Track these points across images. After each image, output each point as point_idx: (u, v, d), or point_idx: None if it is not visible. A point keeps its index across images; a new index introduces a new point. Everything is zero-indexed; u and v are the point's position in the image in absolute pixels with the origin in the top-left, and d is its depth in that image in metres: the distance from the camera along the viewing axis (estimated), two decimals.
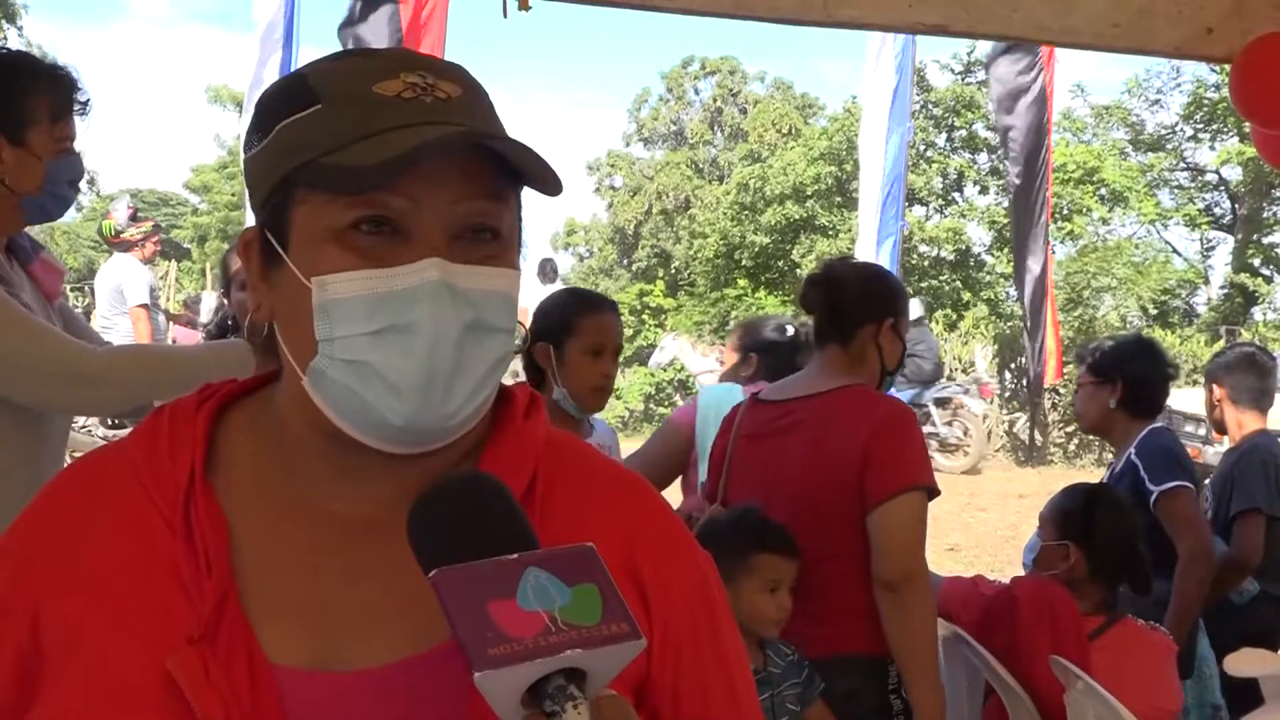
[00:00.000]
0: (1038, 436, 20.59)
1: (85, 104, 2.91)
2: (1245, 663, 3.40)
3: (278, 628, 1.13)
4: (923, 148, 36.15)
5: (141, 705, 1.06)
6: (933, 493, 3.29)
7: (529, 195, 1.22)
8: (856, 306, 3.51)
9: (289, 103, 1.15)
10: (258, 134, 1.18)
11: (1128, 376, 4.77)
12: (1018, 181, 12.63)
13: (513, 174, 1.15)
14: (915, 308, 17.53)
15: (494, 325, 1.15)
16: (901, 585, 3.19)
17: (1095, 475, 17.42)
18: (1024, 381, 20.98)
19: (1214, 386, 5.10)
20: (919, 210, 36.44)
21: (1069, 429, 21.22)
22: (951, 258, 35.50)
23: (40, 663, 1.12)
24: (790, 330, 5.47)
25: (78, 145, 2.91)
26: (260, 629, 1.12)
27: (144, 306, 9.43)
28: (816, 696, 3.23)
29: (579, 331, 3.66)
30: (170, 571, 1.13)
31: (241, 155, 1.30)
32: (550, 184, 1.15)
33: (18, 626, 1.14)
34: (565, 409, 3.68)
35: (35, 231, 3.00)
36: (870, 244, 12.36)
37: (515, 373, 3.97)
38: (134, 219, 9.84)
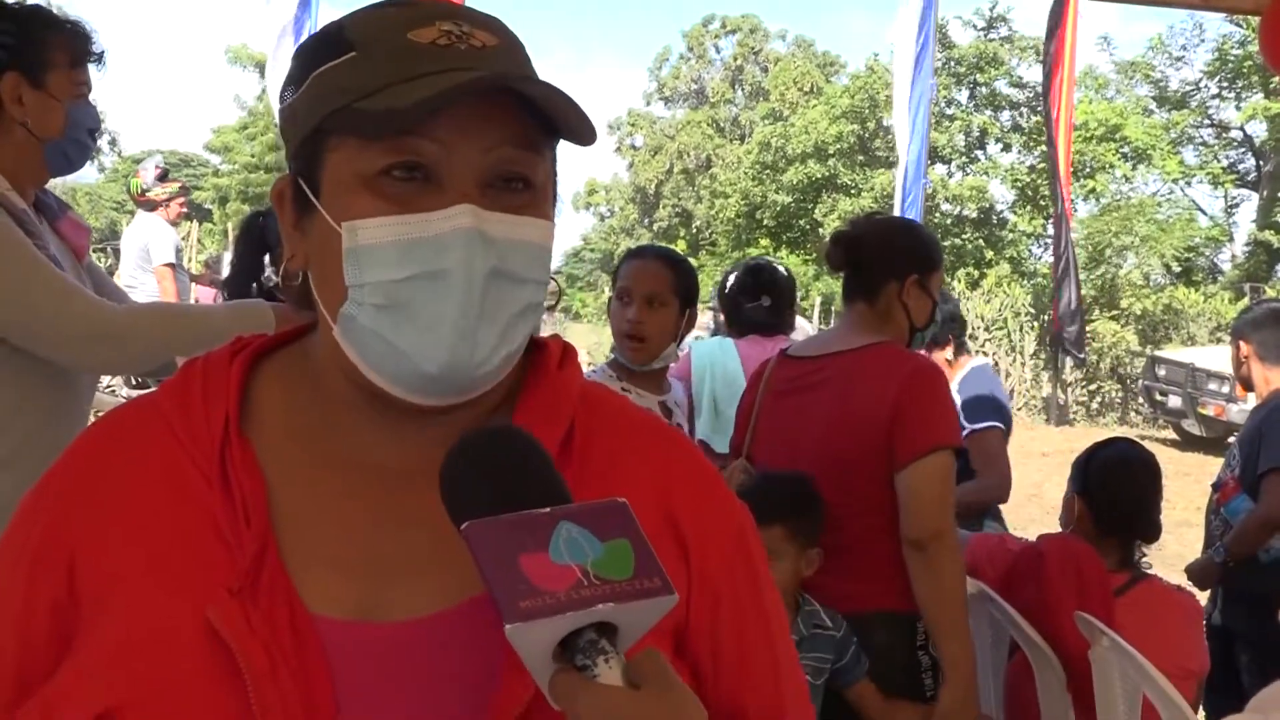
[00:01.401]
0: (1060, 394, 20.56)
1: (100, 55, 2.93)
2: None
3: (317, 579, 1.12)
4: (944, 105, 35.97)
5: (183, 653, 1.06)
6: (960, 451, 3.28)
7: None
8: (877, 264, 3.48)
9: (324, 52, 1.15)
10: (293, 84, 1.18)
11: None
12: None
13: (547, 126, 1.14)
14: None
15: (522, 275, 1.13)
16: (930, 544, 3.18)
17: (1117, 432, 17.44)
18: (1047, 340, 20.93)
19: (1241, 343, 5.06)
20: (941, 168, 36.29)
21: (1091, 387, 21.20)
22: (974, 216, 35.37)
23: (76, 612, 1.12)
24: (730, 280, 5.33)
25: (93, 98, 2.93)
26: (299, 580, 1.11)
27: (170, 266, 9.42)
28: (864, 675, 3.23)
29: (615, 280, 3.68)
30: (207, 522, 1.12)
31: (276, 111, 1.30)
32: (583, 133, 1.14)
33: (54, 577, 1.14)
34: (621, 361, 3.70)
35: (56, 193, 3.02)
36: (908, 200, 12.36)
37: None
38: (162, 179, 9.84)
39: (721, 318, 5.44)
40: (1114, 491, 3.84)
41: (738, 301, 5.14)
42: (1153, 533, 3.89)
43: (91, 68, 2.92)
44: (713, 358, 4.88)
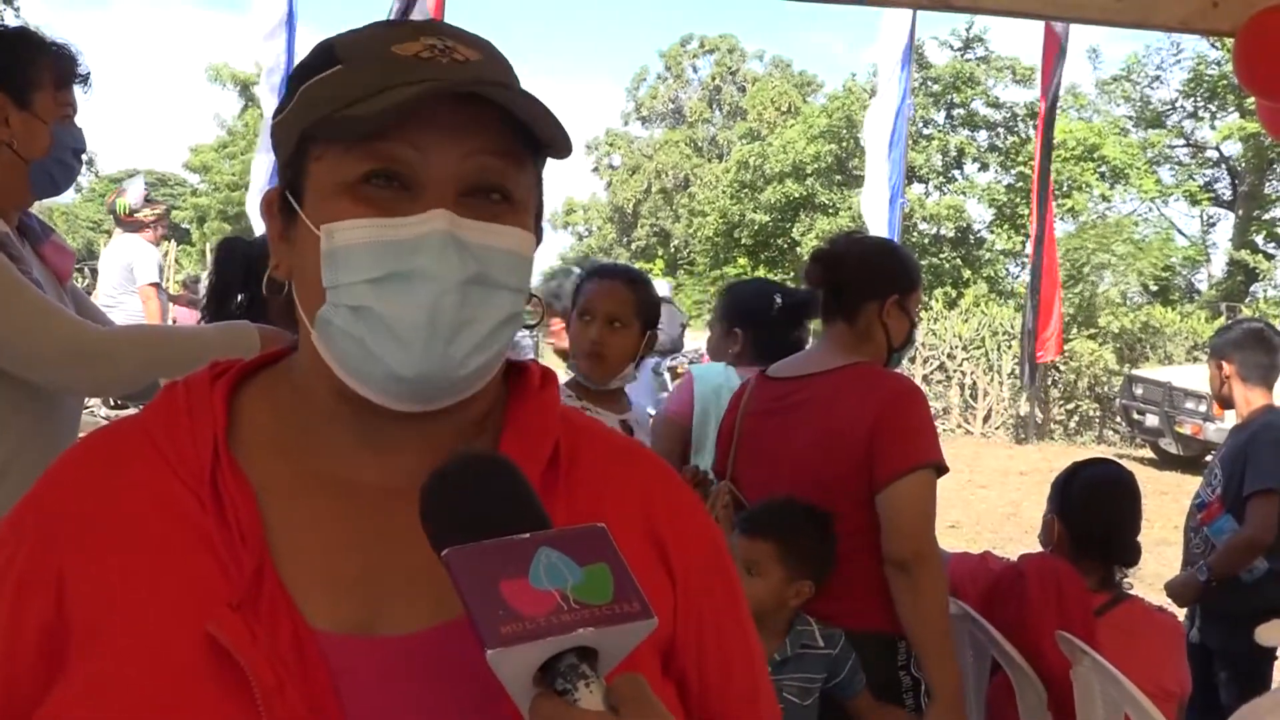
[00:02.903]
0: (1038, 413, 20.61)
1: (86, 76, 2.94)
2: (1277, 633, 3.45)
3: (314, 594, 1.12)
4: (921, 125, 36.14)
5: (185, 672, 1.06)
6: (941, 470, 3.28)
7: None
8: (858, 284, 3.49)
9: (313, 67, 1.18)
10: (285, 101, 1.21)
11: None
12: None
13: (529, 139, 1.15)
14: (661, 288, 18.29)
15: (500, 282, 1.15)
16: (913, 564, 3.18)
17: (1095, 451, 17.47)
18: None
19: (1223, 363, 5.07)
20: (918, 187, 36.43)
21: (1069, 406, 21.25)
22: (952, 235, 35.51)
23: (66, 633, 1.11)
24: (779, 300, 4.75)
25: (78, 120, 2.93)
26: (297, 596, 1.11)
27: (154, 285, 9.44)
28: (863, 688, 3.21)
29: (577, 299, 3.68)
30: (201, 542, 1.12)
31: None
32: (559, 143, 1.15)
33: (42, 598, 1.13)
34: (579, 379, 3.67)
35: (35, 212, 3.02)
36: (882, 221, 12.42)
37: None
38: (148, 200, 9.87)
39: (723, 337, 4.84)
40: (1093, 515, 3.85)
41: (780, 325, 4.60)
42: (1131, 557, 3.89)
43: (77, 89, 2.92)
44: (715, 388, 4.46)
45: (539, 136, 1.15)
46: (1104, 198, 34.47)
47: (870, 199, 12.84)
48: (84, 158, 3.01)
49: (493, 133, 1.13)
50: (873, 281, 3.49)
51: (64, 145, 2.86)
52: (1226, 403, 5.12)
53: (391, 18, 7.00)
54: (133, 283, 9.43)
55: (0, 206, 2.78)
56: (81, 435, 1.41)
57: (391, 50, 1.13)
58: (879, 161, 12.75)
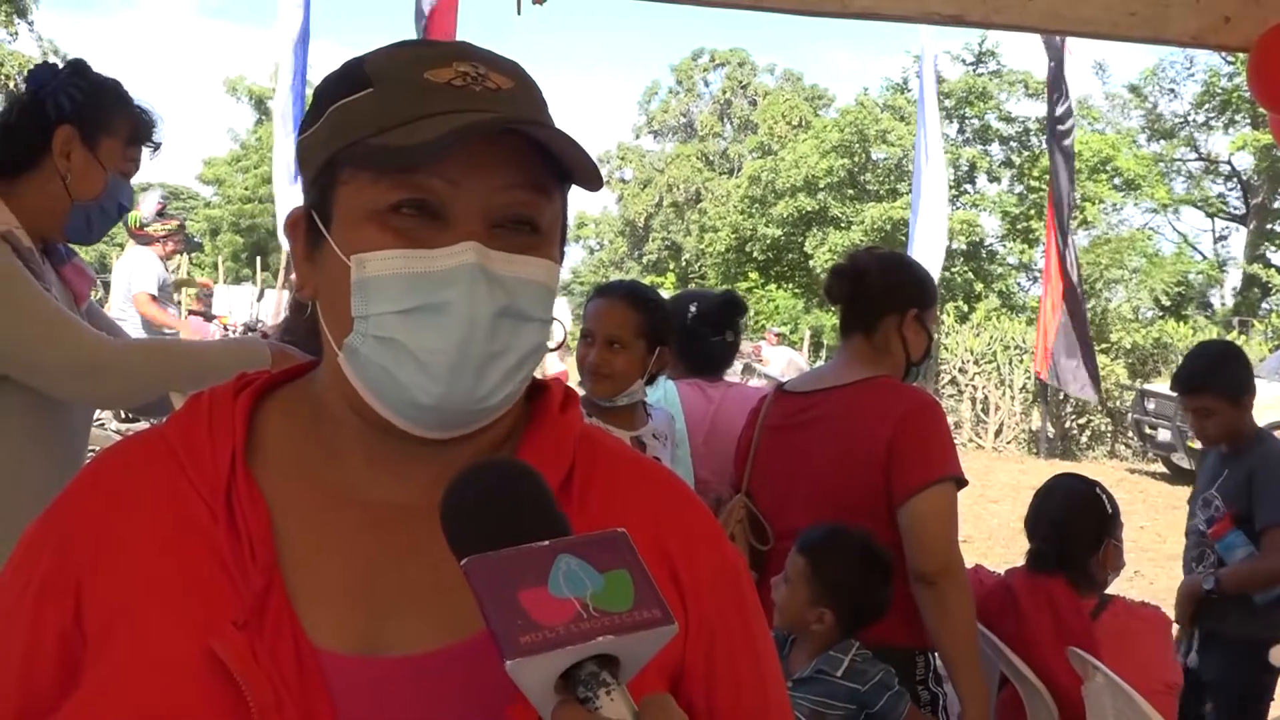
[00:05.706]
0: (1050, 428, 20.56)
1: (158, 146, 3.00)
2: None
3: (321, 612, 1.13)
4: None
5: (186, 685, 1.06)
6: (961, 483, 3.28)
7: None
8: (879, 297, 3.49)
9: (344, 87, 1.17)
10: (312, 117, 1.20)
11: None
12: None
13: (557, 169, 1.16)
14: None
15: (528, 314, 1.15)
16: (939, 578, 3.18)
17: (1107, 466, 17.34)
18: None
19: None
20: None
21: (1081, 420, 21.20)
22: (964, 248, 35.48)
23: (82, 644, 1.12)
24: (693, 309, 4.57)
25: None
26: (304, 614, 1.12)
27: (152, 296, 9.40)
28: (904, 712, 3.11)
29: (584, 315, 3.66)
30: (213, 555, 1.13)
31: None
32: (590, 178, 1.16)
33: (61, 609, 1.14)
34: (590, 398, 3.64)
35: None
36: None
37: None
38: (161, 214, 9.86)
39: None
40: (1054, 531, 3.84)
41: (699, 333, 4.52)
42: (1085, 577, 3.82)
43: (145, 152, 2.97)
44: (657, 403, 4.23)
45: (572, 173, 1.16)
46: (1116, 207, 34.43)
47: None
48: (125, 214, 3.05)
49: (525, 166, 1.13)
50: (895, 295, 3.49)
51: (113, 197, 2.90)
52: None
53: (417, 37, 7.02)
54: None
55: (31, 231, 2.80)
56: (92, 449, 1.42)
57: (424, 76, 1.13)
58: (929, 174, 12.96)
